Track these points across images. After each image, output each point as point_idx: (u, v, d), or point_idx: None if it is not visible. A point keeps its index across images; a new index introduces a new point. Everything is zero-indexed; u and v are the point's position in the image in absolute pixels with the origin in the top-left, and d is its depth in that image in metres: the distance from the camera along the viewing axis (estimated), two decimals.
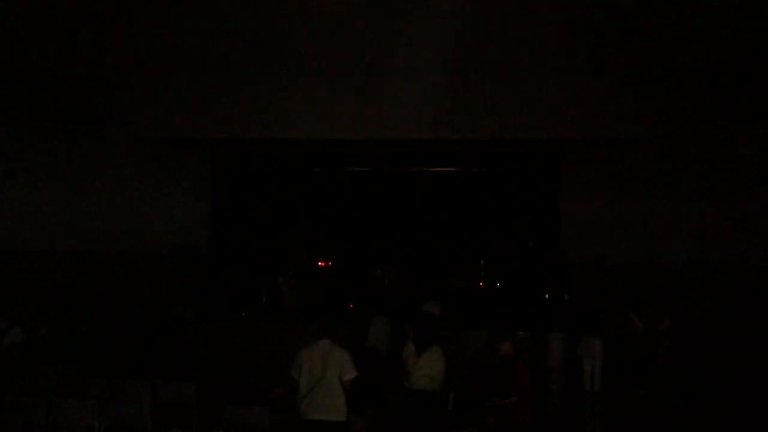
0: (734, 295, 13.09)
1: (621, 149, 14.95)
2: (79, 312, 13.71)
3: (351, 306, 15.45)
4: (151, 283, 15.15)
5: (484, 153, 16.56)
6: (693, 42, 12.50)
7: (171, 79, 14.65)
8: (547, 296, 15.19)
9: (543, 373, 13.02)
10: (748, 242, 13.02)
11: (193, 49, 13.32)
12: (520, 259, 16.30)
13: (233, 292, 16.02)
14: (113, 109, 15.19)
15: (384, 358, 9.46)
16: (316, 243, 17.70)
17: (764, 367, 12.03)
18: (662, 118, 14.21)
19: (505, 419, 7.25)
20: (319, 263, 17.54)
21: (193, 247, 16.01)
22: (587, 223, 15.40)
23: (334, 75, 14.20)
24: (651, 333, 11.94)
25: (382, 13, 11.73)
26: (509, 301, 15.64)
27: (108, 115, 15.19)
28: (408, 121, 14.27)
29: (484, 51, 13.15)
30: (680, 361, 12.25)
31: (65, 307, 13.34)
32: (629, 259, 14.55)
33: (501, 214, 16.80)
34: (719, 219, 13.44)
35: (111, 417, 7.00)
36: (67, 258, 14.54)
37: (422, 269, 16.64)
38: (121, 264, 15.08)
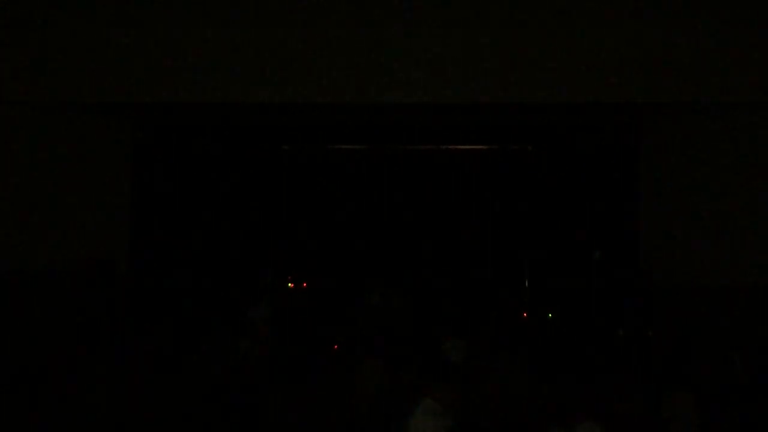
0: None
1: (736, 119, 11.40)
2: None
3: (335, 348, 12.20)
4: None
5: (531, 124, 13.66)
6: None
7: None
8: (621, 333, 12.23)
9: None
10: None
11: None
12: (582, 278, 13.26)
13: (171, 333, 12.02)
14: None
15: None
16: (283, 256, 14.54)
17: None
18: None
19: None
20: (289, 284, 14.32)
21: (103, 262, 12.27)
22: (680, 228, 12.25)
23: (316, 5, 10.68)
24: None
25: None
26: (566, 339, 12.60)
27: None
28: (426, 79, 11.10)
29: None
30: None
31: None
32: (742, 279, 11.37)
33: (553, 213, 13.94)
34: None
35: None
36: None
37: (439, 291, 13.89)
38: None
